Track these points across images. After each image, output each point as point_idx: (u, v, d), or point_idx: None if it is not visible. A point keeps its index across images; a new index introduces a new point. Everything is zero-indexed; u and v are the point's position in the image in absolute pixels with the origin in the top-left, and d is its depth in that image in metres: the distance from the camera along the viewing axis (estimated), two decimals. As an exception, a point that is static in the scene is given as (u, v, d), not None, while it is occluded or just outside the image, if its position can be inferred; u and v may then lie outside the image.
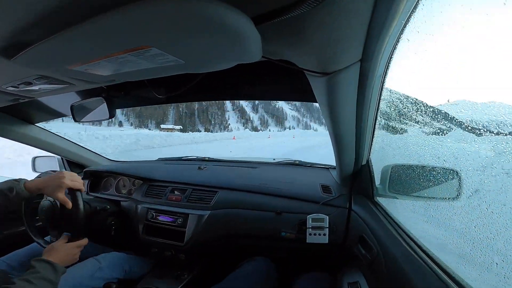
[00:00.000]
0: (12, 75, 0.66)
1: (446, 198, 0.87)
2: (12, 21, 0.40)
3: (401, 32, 0.52)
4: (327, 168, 1.63)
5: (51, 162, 1.85)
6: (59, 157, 1.83)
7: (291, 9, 0.39)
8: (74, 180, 0.96)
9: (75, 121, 1.22)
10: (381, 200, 1.08)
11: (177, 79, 1.00)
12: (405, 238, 0.80)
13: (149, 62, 0.53)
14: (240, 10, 0.38)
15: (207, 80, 0.94)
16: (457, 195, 0.84)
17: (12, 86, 0.73)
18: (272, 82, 1.11)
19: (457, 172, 0.85)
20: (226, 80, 1.12)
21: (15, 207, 0.92)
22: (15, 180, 0.91)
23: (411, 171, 1.01)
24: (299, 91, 1.11)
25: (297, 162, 1.81)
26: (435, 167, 0.94)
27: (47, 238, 1.24)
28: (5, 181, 0.90)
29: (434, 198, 0.92)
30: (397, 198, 1.00)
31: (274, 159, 1.92)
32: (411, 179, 0.99)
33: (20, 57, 0.49)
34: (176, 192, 1.43)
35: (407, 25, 0.50)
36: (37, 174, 1.25)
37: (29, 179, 0.96)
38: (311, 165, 1.73)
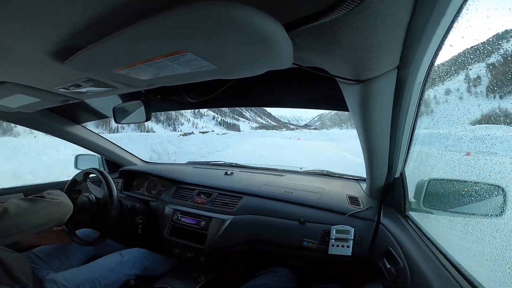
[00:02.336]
0: (63, 78, 0.72)
1: (488, 215, 0.82)
2: (66, 25, 0.43)
3: (444, 38, 0.49)
4: (357, 179, 1.58)
5: (91, 160, 1.99)
6: (99, 156, 1.96)
7: (324, 15, 0.38)
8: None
9: (116, 122, 1.30)
10: (413, 215, 1.02)
11: (210, 85, 1.04)
12: (437, 253, 0.75)
13: (184, 67, 0.56)
14: (271, 16, 0.39)
15: (239, 86, 0.96)
16: (501, 212, 0.79)
17: (63, 88, 0.80)
18: (302, 90, 1.11)
19: (502, 188, 0.80)
20: (258, 87, 1.14)
21: None
22: None
23: (450, 185, 0.95)
24: (331, 100, 1.09)
25: (325, 172, 1.77)
26: (477, 182, 0.88)
27: (79, 231, 1.33)
28: None
29: (474, 214, 0.86)
30: (432, 213, 0.95)
31: (301, 168, 1.90)
32: (449, 194, 0.93)
33: (71, 60, 0.53)
34: (202, 196, 1.47)
35: (450, 30, 0.47)
36: (78, 171, 1.36)
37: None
38: (340, 176, 1.69)
